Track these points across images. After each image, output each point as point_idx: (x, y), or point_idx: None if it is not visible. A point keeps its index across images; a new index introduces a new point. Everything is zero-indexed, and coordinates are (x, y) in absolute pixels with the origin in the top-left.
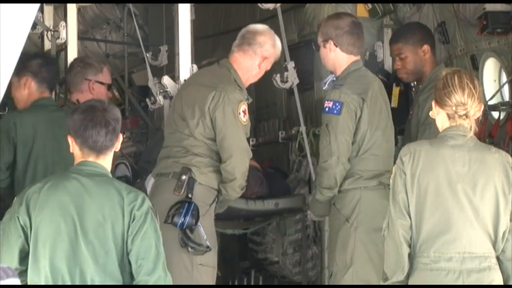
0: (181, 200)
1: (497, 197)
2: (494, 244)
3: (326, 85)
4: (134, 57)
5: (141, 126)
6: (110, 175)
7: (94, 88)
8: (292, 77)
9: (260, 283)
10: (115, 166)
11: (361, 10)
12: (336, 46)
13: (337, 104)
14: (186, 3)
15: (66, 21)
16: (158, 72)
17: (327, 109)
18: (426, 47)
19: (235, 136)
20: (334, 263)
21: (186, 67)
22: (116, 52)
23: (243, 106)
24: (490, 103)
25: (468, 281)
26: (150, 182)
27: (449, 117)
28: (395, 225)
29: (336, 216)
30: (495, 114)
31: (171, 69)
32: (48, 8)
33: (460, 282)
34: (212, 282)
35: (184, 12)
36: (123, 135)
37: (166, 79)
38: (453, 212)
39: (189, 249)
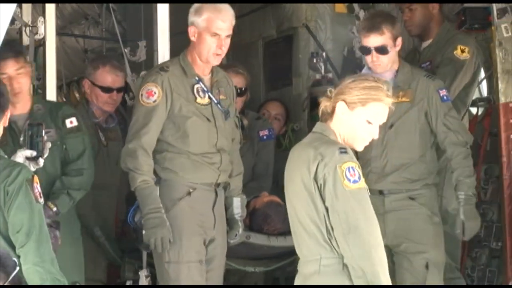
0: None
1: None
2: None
3: None
4: (112, 52)
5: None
6: None
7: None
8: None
9: None
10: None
11: (340, 6)
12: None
13: None
14: (164, 3)
15: (44, 17)
16: (136, 68)
17: (445, 97)
18: (436, 4)
19: None
20: None
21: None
22: (95, 47)
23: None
24: None
25: None
26: None
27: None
28: None
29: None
30: (474, 110)
31: (150, 65)
32: (26, 4)
33: None
34: (200, 277)
35: (163, 9)
36: None
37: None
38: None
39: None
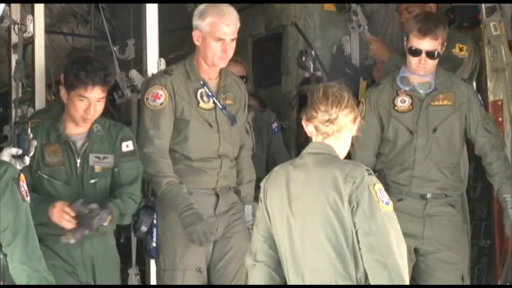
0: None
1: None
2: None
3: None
4: (101, 50)
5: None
6: None
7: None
8: None
9: None
10: None
11: (328, 4)
12: None
13: None
14: (153, 3)
15: (33, 15)
16: (125, 66)
17: (481, 102)
18: (433, 5)
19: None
20: None
21: (153, 61)
22: (83, 45)
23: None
24: None
25: None
26: None
27: (316, 129)
28: None
29: None
30: None
31: (139, 63)
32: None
33: None
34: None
35: (152, 9)
36: None
37: (134, 73)
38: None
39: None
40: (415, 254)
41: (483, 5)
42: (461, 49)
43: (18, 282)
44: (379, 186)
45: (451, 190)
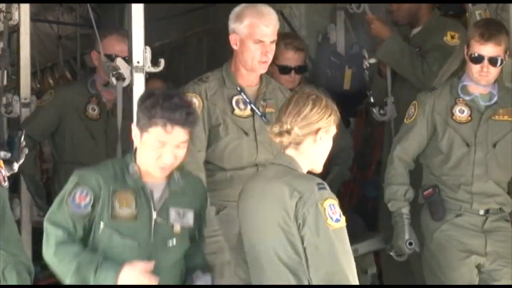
0: None
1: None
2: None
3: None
4: (86, 38)
5: None
6: None
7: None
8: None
9: None
10: None
11: None
12: None
13: None
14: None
15: (18, 3)
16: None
17: None
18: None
19: None
20: None
21: (139, 48)
22: (69, 33)
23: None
24: None
25: None
26: None
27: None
28: None
29: None
30: None
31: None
32: None
33: None
34: None
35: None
36: None
37: (119, 61)
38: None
39: None
40: (478, 270)
41: None
42: (452, 37)
43: None
44: (330, 202)
45: (507, 206)
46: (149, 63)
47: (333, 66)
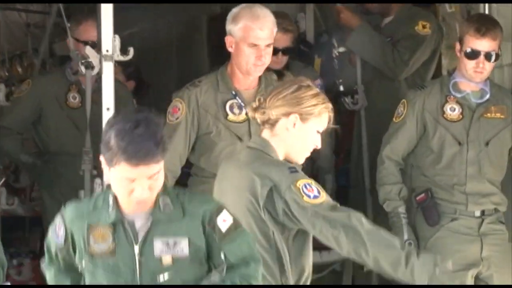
0: None
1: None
2: None
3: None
4: (55, 27)
5: None
6: None
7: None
8: None
9: None
10: None
11: None
12: None
13: None
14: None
15: None
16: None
17: None
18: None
19: None
20: None
21: (108, 37)
22: (37, 22)
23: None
24: None
25: None
26: None
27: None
28: None
29: None
30: None
31: None
32: None
33: None
34: None
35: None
36: None
37: (88, 49)
38: None
39: None
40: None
41: None
42: (424, 26)
43: None
44: (303, 182)
45: (502, 205)
46: (118, 52)
47: (303, 54)
